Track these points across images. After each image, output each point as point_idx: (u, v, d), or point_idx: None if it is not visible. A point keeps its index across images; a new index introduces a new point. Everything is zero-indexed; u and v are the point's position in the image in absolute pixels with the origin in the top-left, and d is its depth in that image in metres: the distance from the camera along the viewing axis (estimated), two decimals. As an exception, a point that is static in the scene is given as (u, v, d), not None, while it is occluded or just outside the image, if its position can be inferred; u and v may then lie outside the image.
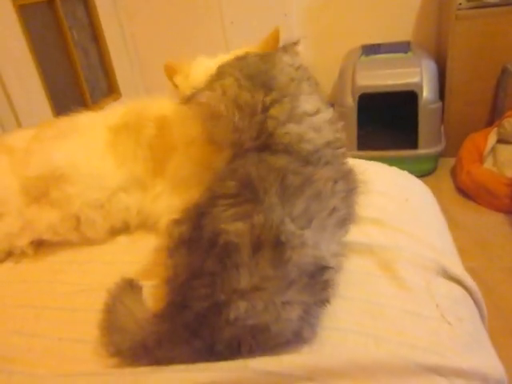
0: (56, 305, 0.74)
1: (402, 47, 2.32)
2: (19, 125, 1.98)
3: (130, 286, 0.69)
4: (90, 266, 0.82)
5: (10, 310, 0.74)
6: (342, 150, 0.74)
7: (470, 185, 2.04)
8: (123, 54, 2.81)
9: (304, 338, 0.59)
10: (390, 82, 2.15)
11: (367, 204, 0.87)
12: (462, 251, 1.74)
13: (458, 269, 0.76)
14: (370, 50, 2.37)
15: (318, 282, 0.58)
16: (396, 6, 2.47)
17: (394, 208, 0.88)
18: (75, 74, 2.46)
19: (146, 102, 0.95)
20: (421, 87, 2.10)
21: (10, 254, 0.88)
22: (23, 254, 0.88)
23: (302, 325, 0.58)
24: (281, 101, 0.69)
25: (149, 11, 2.78)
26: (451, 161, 2.28)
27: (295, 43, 0.80)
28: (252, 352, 0.56)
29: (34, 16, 2.18)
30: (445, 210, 1.97)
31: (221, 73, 0.73)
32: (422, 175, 2.26)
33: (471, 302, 0.73)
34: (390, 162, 2.26)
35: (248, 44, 0.92)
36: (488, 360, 0.63)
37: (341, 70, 2.41)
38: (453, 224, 1.87)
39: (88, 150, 0.90)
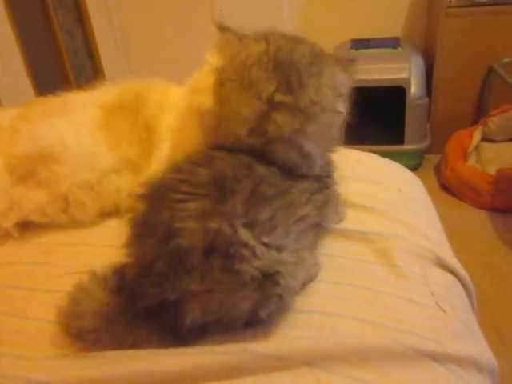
0: (45, 287, 0.72)
1: (392, 42, 2.33)
2: (1, 106, 1.93)
3: (95, 276, 0.65)
4: (80, 248, 0.80)
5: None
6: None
7: (453, 181, 2.07)
8: (109, 38, 2.75)
9: (260, 319, 0.58)
10: (378, 76, 2.16)
11: (362, 193, 0.88)
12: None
13: (451, 259, 0.77)
14: (360, 44, 2.37)
15: (269, 282, 0.56)
16: (386, 2, 2.48)
17: (388, 197, 0.88)
18: (60, 58, 2.40)
19: (145, 84, 0.91)
20: (409, 83, 2.11)
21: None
22: (8, 235, 0.85)
23: (253, 315, 0.57)
24: (294, 111, 0.60)
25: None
26: (435, 158, 2.31)
27: (353, 60, 0.69)
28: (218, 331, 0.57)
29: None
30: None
31: (266, 36, 0.65)
32: (407, 171, 2.29)
33: (463, 291, 0.74)
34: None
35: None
36: (481, 348, 0.64)
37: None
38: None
39: (79, 129, 0.87)
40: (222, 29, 0.68)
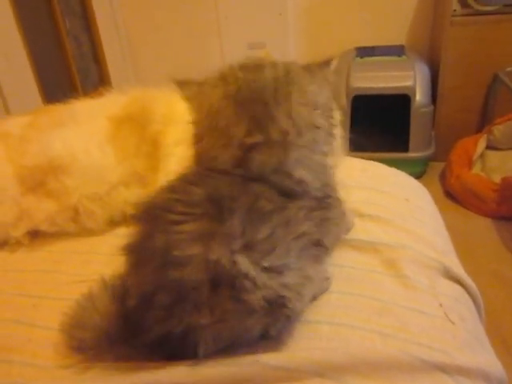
0: (54, 294, 0.72)
1: (396, 50, 2.34)
2: (8, 112, 1.94)
3: (105, 285, 0.64)
4: (89, 256, 0.80)
5: (8, 298, 0.72)
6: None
7: (458, 189, 2.07)
8: (116, 44, 2.77)
9: (270, 335, 0.57)
10: (383, 84, 2.17)
11: (368, 202, 0.88)
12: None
13: (458, 269, 0.77)
14: (365, 52, 2.38)
15: (277, 308, 0.55)
16: (391, 10, 2.49)
17: (395, 206, 0.88)
18: (67, 64, 2.42)
19: (151, 95, 0.92)
20: (414, 91, 2.12)
21: (4, 244, 0.86)
22: (18, 243, 0.85)
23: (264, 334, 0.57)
24: (270, 146, 0.58)
25: (143, 2, 2.75)
26: (440, 165, 2.31)
27: (327, 62, 0.67)
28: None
29: (27, 2, 2.13)
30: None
31: (224, 75, 0.63)
32: (411, 178, 2.29)
33: (471, 301, 0.74)
34: (381, 163, 2.30)
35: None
36: (490, 359, 0.64)
37: (335, 71, 2.42)
38: (441, 227, 1.92)
39: (87, 141, 0.87)
40: (180, 84, 0.65)
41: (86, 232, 0.86)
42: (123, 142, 0.86)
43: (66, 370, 0.59)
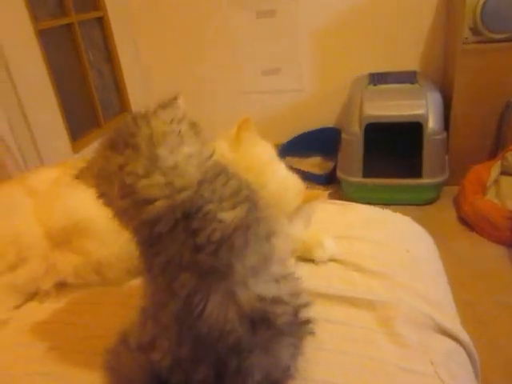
0: (72, 347, 0.79)
1: (409, 77, 2.38)
2: (33, 140, 2.06)
3: (125, 341, 0.67)
4: (102, 308, 0.88)
5: (37, 351, 0.80)
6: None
7: (472, 216, 2.09)
8: (136, 73, 2.89)
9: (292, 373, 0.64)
10: (396, 112, 2.21)
11: (371, 256, 0.93)
12: (461, 283, 1.80)
13: (453, 323, 0.81)
14: (377, 79, 2.43)
15: (301, 320, 0.63)
16: (403, 36, 2.54)
17: (396, 260, 0.93)
18: (90, 94, 2.54)
19: None
20: (426, 119, 2.15)
21: (34, 294, 0.94)
22: (47, 294, 0.94)
23: (291, 362, 0.64)
24: (136, 157, 0.59)
25: (162, 34, 2.87)
26: (454, 189, 2.32)
27: (175, 98, 0.68)
28: None
29: (53, 39, 2.27)
30: (446, 240, 2.03)
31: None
32: (424, 203, 2.31)
33: (465, 357, 0.78)
34: (395, 189, 2.33)
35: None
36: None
37: (348, 98, 2.47)
38: (453, 255, 1.94)
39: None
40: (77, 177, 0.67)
41: (107, 283, 0.93)
42: None
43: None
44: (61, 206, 0.94)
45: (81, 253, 0.92)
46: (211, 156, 0.64)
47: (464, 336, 0.80)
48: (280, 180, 0.80)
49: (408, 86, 2.32)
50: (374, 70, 2.55)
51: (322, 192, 0.79)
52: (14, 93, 1.96)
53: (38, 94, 2.12)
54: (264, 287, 0.60)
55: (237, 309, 0.57)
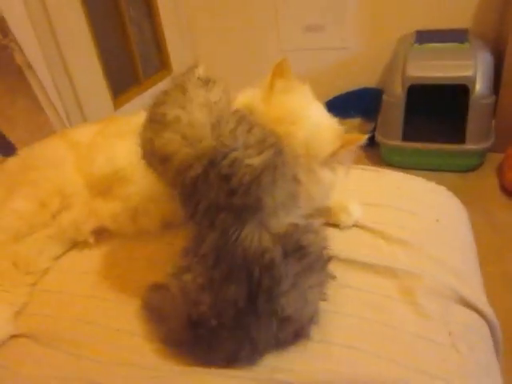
0: (112, 297, 0.85)
1: (459, 36, 2.24)
2: (77, 98, 2.12)
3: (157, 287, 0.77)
4: (146, 262, 0.93)
5: (75, 298, 0.86)
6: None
7: (515, 185, 2.01)
8: (176, 30, 2.86)
9: (315, 322, 0.70)
10: (441, 74, 2.10)
11: (398, 225, 0.93)
12: (498, 254, 1.76)
13: (478, 297, 0.81)
14: (425, 37, 2.30)
15: (324, 260, 0.70)
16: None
17: (424, 229, 0.93)
18: (129, 50, 2.56)
19: None
20: (474, 81, 2.04)
21: (75, 244, 1.01)
22: (86, 243, 1.00)
23: (316, 309, 0.70)
24: (147, 124, 0.70)
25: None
26: (500, 157, 2.22)
27: (196, 66, 0.74)
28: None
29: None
30: (486, 209, 1.97)
31: None
32: (466, 170, 2.24)
33: (487, 332, 0.78)
34: (435, 154, 2.26)
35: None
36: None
37: (392, 57, 2.37)
38: (493, 224, 1.89)
39: None
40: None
41: (142, 232, 0.98)
42: None
43: (124, 367, 0.72)
44: (101, 156, 1.00)
45: (119, 199, 0.97)
46: (228, 104, 0.70)
47: (487, 309, 0.80)
48: (312, 127, 0.78)
49: (457, 45, 2.18)
50: (422, 28, 2.41)
51: (359, 135, 0.77)
52: (57, 50, 2.01)
53: (80, 51, 2.15)
54: (294, 218, 0.66)
55: (270, 234, 0.63)
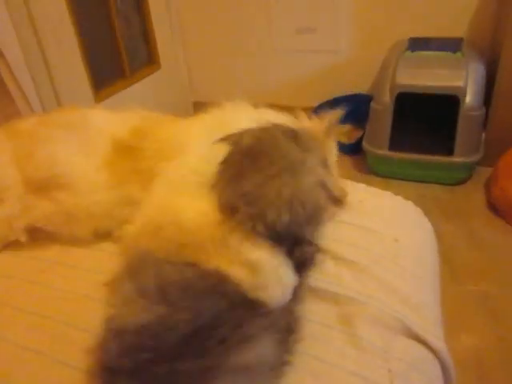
0: (36, 310, 0.77)
1: (453, 45, 2.16)
2: (54, 89, 2.04)
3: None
4: (73, 271, 0.85)
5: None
6: None
7: (502, 202, 1.93)
8: (166, 25, 2.79)
9: None
10: (431, 82, 2.03)
11: (353, 243, 0.85)
12: (481, 273, 1.68)
13: (429, 330, 0.73)
14: (418, 44, 2.23)
15: None
16: (452, -1, 2.29)
17: (379, 251, 0.84)
18: (115, 43, 2.48)
19: (157, 120, 0.96)
20: (464, 92, 1.97)
21: (6, 245, 0.93)
22: (18, 244, 0.93)
23: None
24: None
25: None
26: (488, 171, 2.15)
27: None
28: None
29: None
30: (470, 226, 1.89)
31: None
32: (454, 184, 2.16)
33: (436, 370, 0.70)
34: (422, 166, 2.18)
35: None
36: None
37: (383, 64, 2.29)
38: (475, 240, 1.81)
39: (87, 160, 0.93)
40: None
41: (73, 239, 0.91)
42: (119, 169, 0.90)
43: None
44: (40, 154, 0.93)
45: (55, 201, 0.90)
46: None
47: (440, 345, 0.72)
48: None
49: (450, 54, 2.11)
50: (416, 35, 2.33)
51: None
52: (36, 38, 1.93)
53: (60, 39, 2.07)
54: None
55: None
